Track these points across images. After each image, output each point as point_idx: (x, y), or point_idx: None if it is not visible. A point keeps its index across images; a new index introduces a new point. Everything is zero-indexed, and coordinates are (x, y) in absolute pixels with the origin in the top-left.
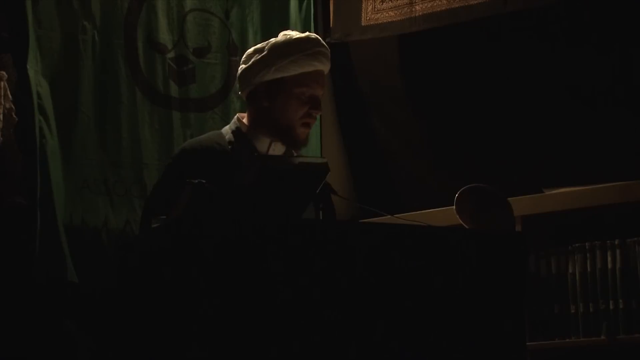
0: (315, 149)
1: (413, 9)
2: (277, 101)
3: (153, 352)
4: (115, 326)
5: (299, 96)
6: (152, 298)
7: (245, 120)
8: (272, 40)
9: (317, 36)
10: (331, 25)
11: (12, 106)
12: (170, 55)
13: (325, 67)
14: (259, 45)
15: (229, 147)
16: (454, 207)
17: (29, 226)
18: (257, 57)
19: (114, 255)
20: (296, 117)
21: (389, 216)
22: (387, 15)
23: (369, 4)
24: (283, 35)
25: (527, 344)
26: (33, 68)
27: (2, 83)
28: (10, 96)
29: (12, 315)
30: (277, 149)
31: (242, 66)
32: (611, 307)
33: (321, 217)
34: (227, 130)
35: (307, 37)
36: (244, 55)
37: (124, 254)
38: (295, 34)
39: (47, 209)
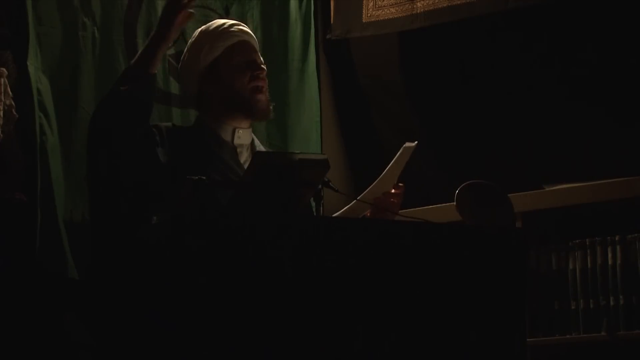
0: (316, 145)
1: (414, 6)
2: (220, 80)
3: (152, 349)
4: (115, 323)
5: (236, 66)
6: (151, 294)
7: (205, 118)
8: (190, 39)
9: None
10: (332, 22)
11: (12, 103)
12: (170, 51)
13: (249, 38)
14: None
15: (195, 131)
16: (454, 203)
17: (30, 222)
18: (185, 56)
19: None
20: (243, 86)
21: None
22: (388, 12)
23: (369, 0)
24: (197, 30)
25: (528, 340)
26: (33, 65)
27: (2, 80)
28: (10, 93)
29: (12, 311)
30: (242, 136)
31: (179, 76)
32: (611, 303)
33: (321, 214)
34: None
35: (217, 20)
36: (179, 65)
37: (123, 249)
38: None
39: (47, 206)
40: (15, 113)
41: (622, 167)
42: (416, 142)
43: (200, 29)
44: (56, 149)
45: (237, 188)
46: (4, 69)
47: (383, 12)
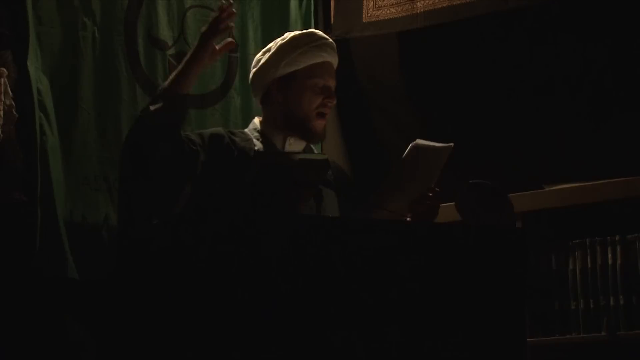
0: (316, 145)
1: (414, 6)
2: (291, 94)
3: (153, 350)
4: (116, 323)
5: (312, 87)
6: (152, 295)
7: (262, 121)
8: (278, 40)
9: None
10: (332, 22)
11: (13, 103)
12: (171, 51)
13: (333, 59)
14: (265, 48)
15: (244, 136)
16: (454, 203)
17: (29, 223)
18: (266, 56)
19: (114, 250)
20: (311, 108)
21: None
22: (388, 12)
23: (369, 0)
24: (287, 34)
25: (528, 339)
26: (33, 65)
27: (2, 80)
28: (10, 93)
29: (12, 311)
30: (293, 145)
31: (253, 70)
32: (612, 303)
33: (321, 214)
34: (244, 130)
35: (312, 31)
36: (254, 61)
37: (124, 250)
38: (299, 32)
39: (47, 206)
40: (15, 113)
41: (622, 167)
42: (451, 144)
43: (292, 35)
44: (56, 148)
45: (237, 188)
46: (4, 69)
47: (383, 12)
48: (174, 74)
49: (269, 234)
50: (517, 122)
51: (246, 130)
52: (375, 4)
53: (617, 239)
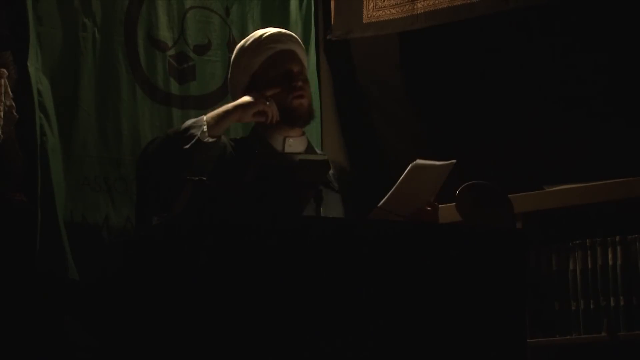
0: (316, 145)
1: (415, 7)
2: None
3: (152, 351)
4: (116, 324)
5: (272, 81)
6: (152, 295)
7: (255, 127)
8: (232, 55)
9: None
10: (332, 23)
11: (13, 103)
12: (171, 52)
13: (285, 45)
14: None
15: (246, 144)
16: (454, 203)
17: (30, 223)
18: (229, 69)
19: (114, 251)
20: (283, 98)
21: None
22: (388, 12)
23: (370, 1)
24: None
25: (528, 340)
26: (34, 65)
27: (2, 80)
28: (10, 93)
29: (12, 312)
30: (293, 145)
31: (228, 81)
32: (612, 303)
33: (321, 214)
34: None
35: (255, 32)
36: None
37: (124, 251)
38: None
39: (47, 206)
40: (15, 114)
41: (622, 168)
42: (453, 160)
43: (238, 45)
44: (56, 149)
45: (238, 189)
46: (4, 70)
47: (383, 13)
48: (217, 113)
49: (269, 234)
50: (517, 122)
51: (246, 137)
52: (376, 5)
53: (617, 239)
